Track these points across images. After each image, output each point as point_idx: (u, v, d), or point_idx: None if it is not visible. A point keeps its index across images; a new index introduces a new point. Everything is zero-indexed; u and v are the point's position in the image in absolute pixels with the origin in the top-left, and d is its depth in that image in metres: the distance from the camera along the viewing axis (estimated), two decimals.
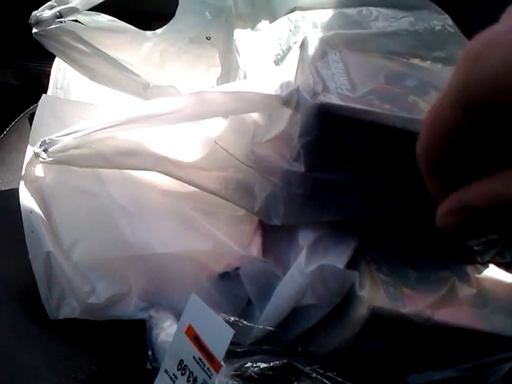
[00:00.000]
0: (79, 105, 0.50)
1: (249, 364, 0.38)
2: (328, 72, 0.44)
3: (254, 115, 0.46)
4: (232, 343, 0.36)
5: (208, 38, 0.53)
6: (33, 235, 0.45)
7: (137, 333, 0.46)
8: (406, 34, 0.49)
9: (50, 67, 0.72)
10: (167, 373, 0.39)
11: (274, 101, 0.42)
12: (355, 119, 0.40)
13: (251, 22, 0.52)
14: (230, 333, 0.35)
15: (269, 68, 0.48)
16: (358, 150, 0.41)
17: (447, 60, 0.49)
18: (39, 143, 0.47)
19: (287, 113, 0.43)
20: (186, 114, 0.43)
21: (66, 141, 0.45)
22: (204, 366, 0.36)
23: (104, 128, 0.43)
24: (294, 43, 0.48)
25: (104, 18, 0.51)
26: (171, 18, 0.54)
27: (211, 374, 0.36)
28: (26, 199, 0.47)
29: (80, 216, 0.47)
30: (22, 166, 0.50)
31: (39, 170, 0.49)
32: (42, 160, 0.48)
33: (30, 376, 0.44)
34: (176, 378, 0.38)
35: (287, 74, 0.45)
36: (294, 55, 0.47)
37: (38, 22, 0.47)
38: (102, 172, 0.47)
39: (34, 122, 0.50)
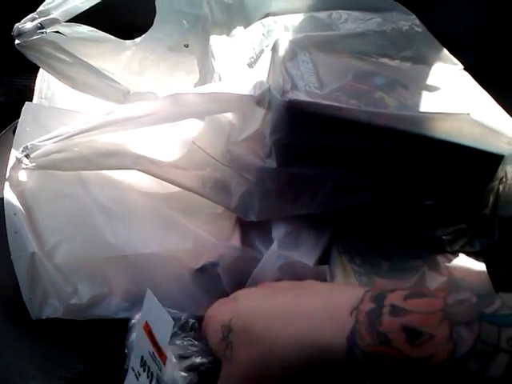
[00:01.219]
0: (62, 112, 0.51)
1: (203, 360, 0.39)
2: (297, 72, 0.45)
3: (230, 116, 0.47)
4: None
5: (186, 46, 0.55)
6: (16, 236, 0.46)
7: (121, 332, 0.47)
8: (375, 35, 0.51)
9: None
10: (133, 370, 0.40)
11: (247, 101, 0.44)
12: (322, 114, 0.41)
13: (227, 29, 0.54)
14: (171, 323, 0.37)
15: (243, 70, 0.50)
16: (326, 144, 0.42)
17: (415, 59, 0.51)
18: (21, 149, 0.49)
19: (260, 113, 0.45)
20: (163, 115, 0.44)
21: (48, 146, 0.46)
22: (155, 359, 0.37)
23: (84, 131, 0.45)
24: (267, 46, 0.50)
25: (84, 29, 0.53)
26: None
27: (161, 368, 0.36)
28: (10, 202, 0.48)
29: (62, 218, 0.48)
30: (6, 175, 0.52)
31: (22, 175, 0.51)
32: (25, 166, 0.50)
33: (16, 375, 0.45)
34: (140, 374, 0.39)
35: (260, 75, 0.47)
36: (267, 57, 0.48)
37: (20, 34, 0.49)
38: (83, 174, 0.48)
39: (17, 129, 0.51)
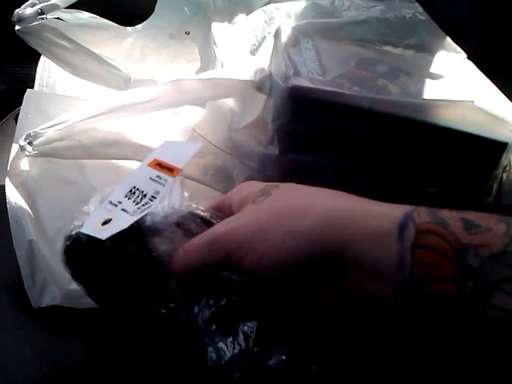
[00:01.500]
0: (63, 98, 0.51)
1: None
2: (300, 58, 0.45)
3: (231, 103, 0.47)
4: None
5: (187, 33, 0.55)
6: (17, 225, 0.46)
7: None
8: (378, 22, 0.50)
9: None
10: (109, 203, 0.34)
11: (247, 86, 0.44)
12: (325, 101, 0.41)
13: (228, 16, 0.54)
14: (195, 146, 0.35)
15: (245, 57, 0.49)
16: (329, 131, 0.42)
17: (419, 47, 0.51)
18: (24, 136, 0.49)
19: (262, 99, 0.45)
20: (163, 101, 0.44)
21: (50, 133, 0.46)
22: (160, 179, 0.33)
23: (86, 119, 0.45)
24: (269, 33, 0.49)
25: (85, 15, 0.52)
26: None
27: (165, 181, 0.33)
28: (12, 192, 0.48)
29: (64, 206, 0.48)
30: (8, 163, 0.52)
31: (25, 163, 0.51)
32: (28, 153, 0.50)
33: (17, 363, 0.45)
34: (119, 203, 0.33)
35: (261, 61, 0.47)
36: (269, 44, 0.48)
37: (21, 20, 0.49)
38: (84, 162, 0.48)
39: (19, 116, 0.51)
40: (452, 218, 0.26)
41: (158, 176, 0.33)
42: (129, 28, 0.54)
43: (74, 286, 0.46)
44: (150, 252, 0.32)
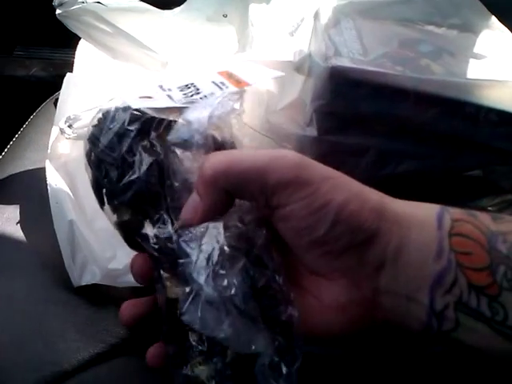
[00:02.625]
0: (102, 82, 0.52)
1: None
2: (341, 38, 0.44)
3: (268, 84, 0.46)
4: None
5: (225, 16, 0.55)
6: (57, 206, 0.47)
7: None
8: (420, 1, 0.49)
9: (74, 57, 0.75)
10: (158, 86, 0.31)
11: (286, 67, 0.43)
12: (367, 81, 0.40)
13: None
14: (275, 73, 0.33)
15: (283, 38, 0.48)
16: (370, 112, 0.41)
17: (462, 26, 0.49)
18: (64, 119, 0.50)
19: (300, 80, 0.44)
20: None
21: (89, 116, 0.47)
22: (223, 85, 0.30)
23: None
24: (308, 13, 0.49)
25: None
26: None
27: (226, 88, 0.30)
28: (52, 174, 0.49)
29: None
30: (48, 145, 0.53)
31: (65, 146, 0.51)
32: (67, 136, 0.50)
33: (58, 337, 0.46)
34: (168, 90, 0.30)
35: (300, 42, 0.46)
36: (308, 25, 0.47)
37: (61, 4, 0.49)
38: None
39: (59, 99, 0.52)
40: (479, 210, 0.27)
41: (221, 82, 0.30)
42: (166, 11, 0.54)
43: (113, 264, 0.46)
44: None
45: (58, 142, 0.50)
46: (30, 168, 0.58)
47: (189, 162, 0.28)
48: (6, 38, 0.88)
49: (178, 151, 0.28)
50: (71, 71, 0.60)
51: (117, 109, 0.29)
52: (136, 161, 0.29)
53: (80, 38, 0.59)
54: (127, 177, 0.29)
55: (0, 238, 0.51)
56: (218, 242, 0.27)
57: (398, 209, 0.27)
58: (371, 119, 0.41)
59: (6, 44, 0.88)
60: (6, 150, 0.61)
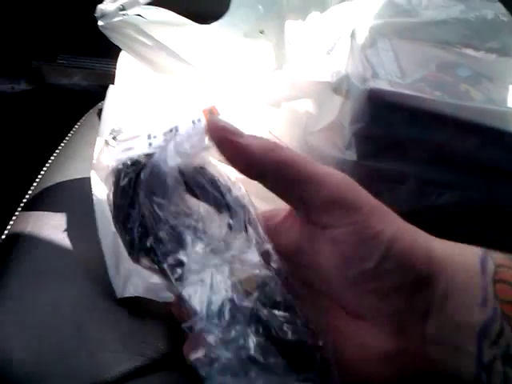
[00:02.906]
0: (144, 94, 0.53)
1: None
2: (378, 59, 0.45)
3: (306, 105, 0.48)
4: None
5: (262, 32, 0.56)
6: (102, 217, 0.49)
7: None
8: (457, 23, 0.49)
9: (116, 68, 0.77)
10: (147, 135, 0.32)
11: (324, 88, 0.44)
12: (405, 105, 0.41)
13: (302, 14, 0.54)
14: None
15: (319, 57, 0.49)
16: (410, 137, 0.42)
17: (501, 50, 0.49)
18: (109, 131, 0.51)
19: (338, 101, 0.45)
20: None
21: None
22: (199, 121, 0.30)
23: None
24: (344, 33, 0.49)
25: (163, 12, 0.54)
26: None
27: (199, 122, 0.30)
28: (97, 185, 0.51)
29: None
30: (92, 155, 0.55)
31: (109, 157, 0.53)
32: (112, 147, 0.52)
33: (100, 347, 0.48)
34: (154, 137, 0.31)
35: (337, 62, 0.47)
36: (345, 44, 0.48)
37: (103, 15, 0.51)
38: None
39: (102, 112, 0.54)
40: None
41: (198, 119, 0.30)
42: (204, 26, 0.56)
43: (155, 279, 0.48)
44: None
45: (102, 153, 0.51)
46: (76, 177, 0.60)
47: (168, 207, 0.28)
48: (49, 45, 0.90)
49: (155, 198, 0.28)
50: (112, 81, 0.62)
51: (117, 168, 0.31)
52: (134, 215, 0.29)
53: (121, 49, 0.60)
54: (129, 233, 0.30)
55: (47, 246, 0.53)
56: (226, 291, 0.26)
57: (443, 251, 0.26)
58: (410, 145, 0.42)
59: (50, 52, 0.90)
60: (52, 158, 0.64)
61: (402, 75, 0.44)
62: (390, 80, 0.43)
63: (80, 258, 0.53)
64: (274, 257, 0.27)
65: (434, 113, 0.40)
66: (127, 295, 0.49)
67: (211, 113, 0.31)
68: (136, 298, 0.48)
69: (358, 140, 0.43)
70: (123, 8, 0.52)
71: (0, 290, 0.53)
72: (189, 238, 0.28)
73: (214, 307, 0.25)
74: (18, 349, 0.49)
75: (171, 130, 0.31)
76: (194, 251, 0.27)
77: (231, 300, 0.25)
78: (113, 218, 0.32)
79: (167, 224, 0.28)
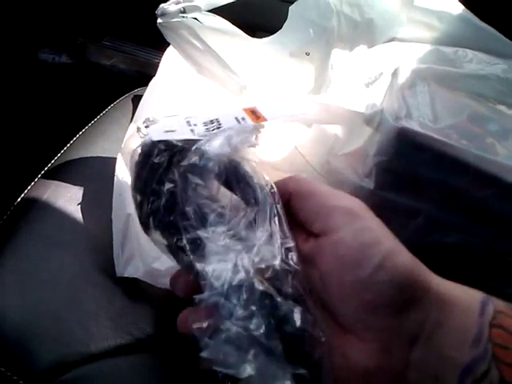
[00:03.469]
0: (184, 93, 0.55)
1: None
2: (414, 101, 0.46)
3: (336, 128, 0.49)
4: None
5: (307, 54, 0.57)
6: (120, 198, 0.51)
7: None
8: (497, 80, 0.50)
9: (157, 59, 0.79)
10: (185, 120, 0.33)
11: (357, 117, 0.45)
12: (431, 148, 0.42)
13: (350, 45, 0.56)
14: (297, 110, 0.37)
15: (359, 88, 0.51)
16: (429, 177, 0.43)
17: None
18: (143, 120, 0.53)
19: (367, 132, 0.46)
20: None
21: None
22: (243, 120, 0.32)
23: None
24: (387, 70, 0.51)
25: (219, 20, 0.56)
26: (273, 31, 0.59)
27: (244, 121, 0.32)
28: (121, 167, 0.53)
29: None
30: (120, 138, 0.57)
31: (137, 144, 0.55)
32: (142, 136, 0.54)
33: (91, 320, 0.49)
34: (194, 125, 0.32)
35: (374, 96, 0.48)
36: (385, 81, 0.50)
37: (164, 14, 0.53)
38: None
39: (141, 101, 0.56)
40: None
41: (242, 117, 0.32)
42: (255, 39, 0.58)
43: (156, 264, 0.49)
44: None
45: (132, 139, 0.53)
46: (101, 155, 0.62)
47: (201, 189, 0.30)
48: (97, 26, 0.94)
49: (191, 178, 0.30)
50: (150, 70, 0.64)
51: (151, 143, 0.32)
52: (161, 191, 0.30)
53: (166, 43, 0.63)
54: (151, 205, 0.31)
55: (60, 216, 0.55)
56: (247, 273, 0.27)
57: (443, 286, 0.27)
58: (428, 184, 0.43)
59: (97, 32, 0.94)
60: (80, 132, 0.66)
61: (433, 119, 0.45)
62: (422, 122, 0.44)
63: (88, 232, 0.54)
64: (295, 255, 0.28)
65: (457, 159, 0.41)
66: (126, 275, 0.50)
67: (253, 112, 0.33)
68: (134, 279, 0.50)
69: (378, 170, 0.44)
70: (184, 11, 0.54)
71: (6, 249, 0.54)
72: (212, 219, 0.29)
73: (234, 286, 0.26)
74: (13, 308, 0.50)
75: (212, 122, 0.32)
76: (216, 232, 0.29)
77: (250, 283, 0.26)
78: (134, 188, 0.33)
79: (195, 203, 0.30)
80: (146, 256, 0.50)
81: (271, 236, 0.28)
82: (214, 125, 0.32)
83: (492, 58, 0.53)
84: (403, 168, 0.43)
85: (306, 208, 0.30)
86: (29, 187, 0.61)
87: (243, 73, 0.56)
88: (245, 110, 0.33)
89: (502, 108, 0.49)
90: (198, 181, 0.30)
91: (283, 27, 0.57)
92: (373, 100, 0.47)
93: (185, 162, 0.30)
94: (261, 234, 0.28)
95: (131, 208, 0.50)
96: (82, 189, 0.57)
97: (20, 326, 0.49)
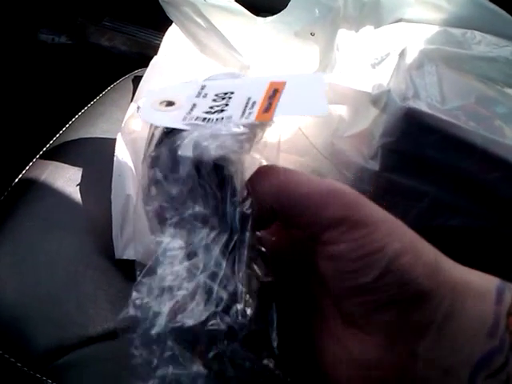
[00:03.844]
0: (185, 72, 0.54)
1: None
2: (422, 82, 0.45)
3: (341, 109, 0.48)
4: None
5: (312, 34, 0.56)
6: (119, 179, 0.50)
7: None
8: (505, 63, 0.49)
9: (158, 40, 0.78)
10: (200, 86, 0.28)
11: (363, 97, 0.45)
12: (438, 129, 0.41)
13: (356, 26, 0.54)
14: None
15: (365, 69, 0.50)
16: (435, 159, 0.42)
17: None
18: (143, 99, 0.52)
19: (373, 113, 0.45)
20: None
21: None
22: (251, 108, 0.26)
23: None
24: (394, 51, 0.50)
25: None
26: (277, 11, 0.58)
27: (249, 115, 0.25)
28: (121, 147, 0.52)
29: None
30: (120, 119, 0.56)
31: (137, 124, 0.54)
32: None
33: (90, 302, 0.48)
34: (203, 96, 0.27)
35: (381, 77, 0.47)
36: (392, 62, 0.49)
37: None
38: None
39: (141, 80, 0.55)
40: None
41: (253, 103, 0.25)
42: (259, 18, 0.56)
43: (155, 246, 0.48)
44: None
45: (132, 119, 0.52)
46: (100, 136, 0.60)
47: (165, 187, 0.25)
48: (97, 6, 0.93)
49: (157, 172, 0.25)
50: (151, 52, 0.63)
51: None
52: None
53: (168, 24, 0.61)
54: None
55: (58, 196, 0.54)
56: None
57: (455, 272, 0.25)
58: (434, 166, 0.42)
59: (97, 12, 0.92)
60: (79, 113, 0.65)
61: (441, 100, 0.44)
62: (429, 103, 0.43)
63: (87, 213, 0.53)
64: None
65: (465, 141, 0.40)
66: (125, 258, 0.49)
67: (274, 93, 0.26)
68: (133, 262, 0.49)
69: (383, 152, 0.43)
70: None
71: (3, 230, 0.54)
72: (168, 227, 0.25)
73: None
74: (11, 290, 0.49)
75: (224, 96, 0.26)
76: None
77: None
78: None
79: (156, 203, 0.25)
80: (145, 238, 0.49)
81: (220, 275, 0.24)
82: (222, 103, 0.27)
83: (501, 40, 0.52)
84: (409, 149, 0.42)
85: (295, 216, 0.25)
86: (27, 167, 0.60)
87: (247, 52, 0.55)
88: (272, 84, 0.27)
89: (510, 91, 0.48)
90: (160, 178, 0.25)
91: (288, 6, 0.56)
92: (379, 81, 0.46)
93: (153, 152, 0.25)
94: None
95: (131, 189, 0.49)
96: (80, 170, 0.56)
97: (17, 308, 0.49)
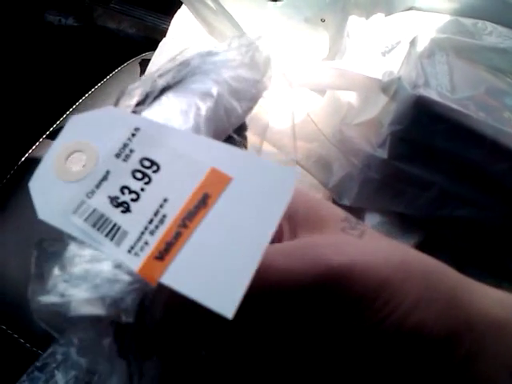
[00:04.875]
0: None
1: None
2: (432, 70, 0.45)
3: (350, 97, 0.48)
4: None
5: (322, 20, 0.56)
6: None
7: None
8: None
9: (165, 24, 0.78)
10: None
11: (373, 84, 0.44)
12: (448, 118, 0.41)
13: (367, 13, 0.54)
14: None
15: (375, 56, 0.50)
16: (444, 148, 0.42)
17: None
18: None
19: (383, 100, 0.45)
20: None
21: None
22: (152, 223, 0.18)
23: None
24: (405, 39, 0.49)
25: None
26: None
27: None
28: None
29: None
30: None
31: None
32: None
33: None
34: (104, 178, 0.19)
35: (392, 64, 0.47)
36: (402, 50, 0.48)
37: None
38: None
39: (150, 62, 0.55)
40: None
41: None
42: (270, 2, 0.56)
43: None
44: None
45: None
46: None
47: None
48: None
49: None
50: (158, 36, 0.62)
51: None
52: None
53: (175, 8, 0.61)
54: None
55: None
56: None
57: (484, 300, 0.21)
58: (443, 156, 0.42)
59: None
60: (86, 95, 0.64)
61: (451, 90, 0.44)
62: (440, 92, 0.43)
63: None
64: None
65: (475, 131, 0.40)
66: None
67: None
68: None
69: (392, 140, 0.43)
70: None
71: (8, 208, 0.54)
72: None
73: None
74: (14, 267, 0.49)
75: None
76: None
77: None
78: None
79: None
80: None
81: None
82: (139, 185, 0.19)
83: None
84: (419, 138, 0.42)
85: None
86: (33, 147, 0.60)
87: (257, 36, 0.54)
88: (210, 176, 0.19)
89: None
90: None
91: None
92: (390, 68, 0.46)
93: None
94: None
95: None
96: None
97: (21, 285, 0.49)
